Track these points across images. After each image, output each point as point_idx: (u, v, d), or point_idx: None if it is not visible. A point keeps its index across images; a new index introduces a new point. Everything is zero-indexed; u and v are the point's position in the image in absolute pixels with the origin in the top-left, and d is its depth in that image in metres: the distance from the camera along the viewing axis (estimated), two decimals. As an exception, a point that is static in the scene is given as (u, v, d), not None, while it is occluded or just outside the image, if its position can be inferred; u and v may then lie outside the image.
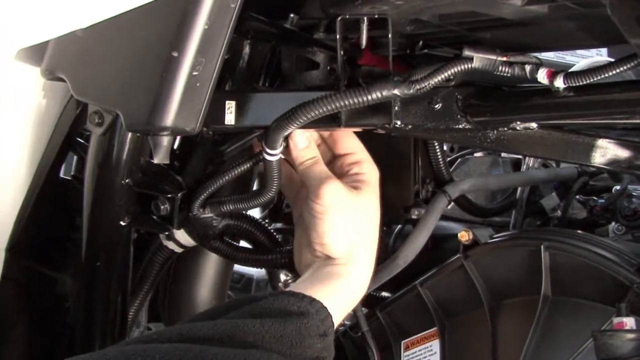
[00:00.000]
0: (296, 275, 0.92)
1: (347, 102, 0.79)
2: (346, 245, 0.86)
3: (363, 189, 0.88)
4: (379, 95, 0.79)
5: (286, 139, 0.88)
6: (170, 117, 0.74)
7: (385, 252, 1.20)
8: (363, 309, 1.05)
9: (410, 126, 0.87)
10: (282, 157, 0.89)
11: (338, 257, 0.86)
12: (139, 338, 0.76)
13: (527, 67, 0.79)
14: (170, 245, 1.11)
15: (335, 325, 0.82)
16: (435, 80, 0.80)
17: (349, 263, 0.86)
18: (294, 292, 0.80)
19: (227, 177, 0.95)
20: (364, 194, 0.88)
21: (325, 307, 0.80)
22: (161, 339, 0.71)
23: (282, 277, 1.25)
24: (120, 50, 0.78)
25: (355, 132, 0.93)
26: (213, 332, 0.72)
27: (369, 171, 0.90)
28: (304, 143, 0.89)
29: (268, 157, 0.87)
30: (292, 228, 0.96)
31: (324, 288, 0.83)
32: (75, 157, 1.27)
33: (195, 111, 0.76)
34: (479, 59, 0.80)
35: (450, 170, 1.15)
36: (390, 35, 0.80)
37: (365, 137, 0.92)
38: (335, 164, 0.92)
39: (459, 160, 1.39)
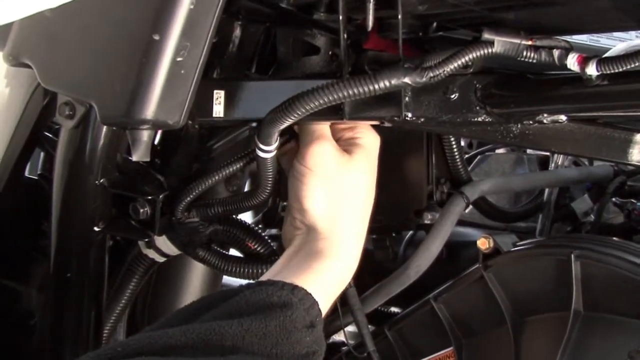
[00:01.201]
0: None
1: (351, 92, 0.80)
2: (327, 214, 0.86)
3: (356, 153, 0.89)
4: (388, 84, 0.79)
5: (283, 133, 0.88)
6: (150, 109, 0.74)
7: (395, 261, 1.21)
8: (370, 326, 1.06)
9: (422, 119, 0.87)
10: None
11: (319, 229, 0.86)
12: (101, 352, 0.72)
13: (555, 52, 0.80)
14: (151, 253, 1.11)
15: (323, 314, 0.81)
16: (451, 67, 0.80)
17: (331, 238, 0.86)
18: (273, 281, 0.80)
19: (215, 177, 0.95)
20: (356, 159, 0.88)
21: (310, 294, 0.79)
22: (127, 351, 0.70)
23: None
24: (94, 32, 0.78)
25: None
26: (185, 339, 0.71)
27: (365, 136, 0.90)
28: None
29: (262, 154, 0.87)
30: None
31: (307, 271, 0.83)
32: (42, 154, 1.28)
33: (179, 102, 0.76)
34: (500, 43, 0.80)
35: (469, 169, 1.15)
36: (400, 16, 0.80)
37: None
38: (331, 131, 0.92)
39: (478, 157, 1.39)
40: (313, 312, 0.79)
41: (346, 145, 0.90)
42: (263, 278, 0.83)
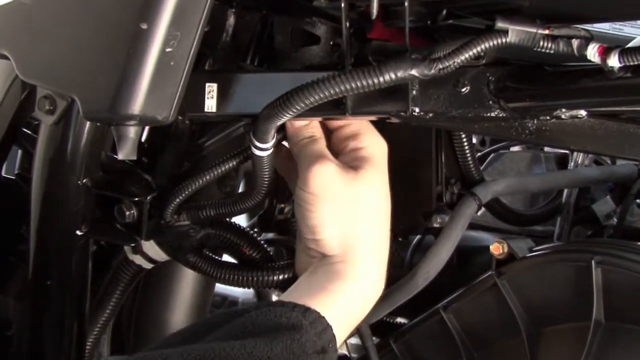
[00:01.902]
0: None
1: (353, 85, 0.80)
2: (342, 240, 0.86)
3: (363, 168, 0.88)
4: (393, 76, 0.80)
5: (280, 129, 0.88)
6: (137, 103, 0.75)
7: (401, 268, 1.21)
8: (374, 338, 1.06)
9: (431, 114, 0.87)
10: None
11: (335, 255, 0.86)
12: None
13: (575, 42, 0.80)
14: (138, 259, 1.11)
15: (341, 340, 0.82)
16: (462, 58, 0.80)
17: (349, 260, 0.86)
18: (284, 302, 0.80)
19: (207, 177, 0.96)
20: (364, 175, 0.87)
21: (323, 318, 0.79)
22: None
23: (275, 298, 1.26)
24: (77, 21, 0.78)
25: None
26: None
27: (370, 144, 0.89)
28: (303, 121, 0.90)
29: (257, 152, 0.87)
30: (286, 239, 0.97)
31: (322, 293, 0.83)
32: (20, 152, 1.28)
33: (168, 96, 0.76)
34: (515, 32, 0.80)
35: (481, 168, 1.15)
36: (407, 3, 0.80)
37: (376, 129, 0.93)
38: (331, 142, 0.92)
39: (492, 156, 1.40)
40: (325, 336, 0.78)
41: (351, 160, 0.89)
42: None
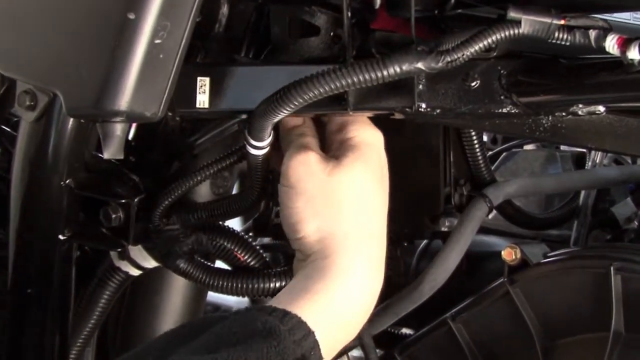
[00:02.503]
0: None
1: (356, 79, 0.80)
2: (320, 235, 0.85)
3: (345, 155, 0.87)
4: (398, 69, 0.80)
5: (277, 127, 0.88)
6: (124, 99, 0.75)
7: (406, 275, 1.21)
8: (377, 350, 1.06)
9: (438, 110, 0.87)
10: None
11: (317, 252, 0.85)
12: None
13: (592, 33, 0.80)
14: (124, 266, 1.11)
15: (330, 346, 0.80)
16: (472, 50, 0.80)
17: (330, 256, 0.84)
18: (263, 306, 0.79)
19: (198, 178, 0.96)
20: (345, 162, 0.86)
21: (304, 322, 0.78)
22: None
23: (271, 308, 1.26)
24: (60, 10, 0.79)
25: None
26: None
27: (358, 134, 0.89)
28: (298, 120, 0.90)
29: (253, 151, 0.88)
30: (283, 243, 0.97)
31: (303, 295, 0.82)
32: (-2, 151, 1.28)
33: (157, 91, 0.76)
34: (528, 23, 0.80)
35: (492, 168, 1.16)
36: (412, -9, 0.81)
37: (380, 126, 0.93)
38: (324, 138, 0.92)
39: (504, 154, 1.40)
40: (306, 344, 0.77)
41: (336, 151, 0.88)
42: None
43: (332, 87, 0.80)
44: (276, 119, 0.85)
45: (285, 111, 0.83)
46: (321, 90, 0.80)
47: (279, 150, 0.92)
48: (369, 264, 0.86)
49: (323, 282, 0.83)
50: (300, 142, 0.88)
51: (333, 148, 0.90)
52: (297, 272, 0.88)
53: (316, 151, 0.87)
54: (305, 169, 0.85)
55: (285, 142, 0.90)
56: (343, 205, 0.86)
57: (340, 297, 0.83)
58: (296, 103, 0.81)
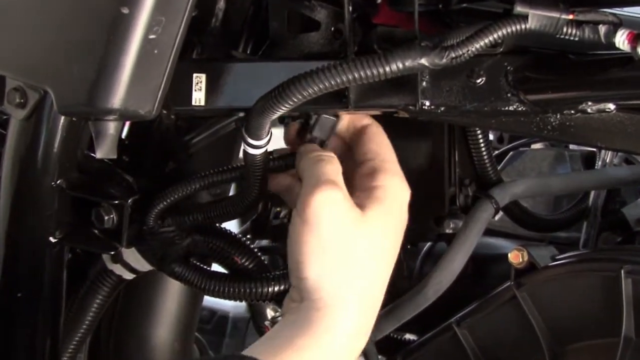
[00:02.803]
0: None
1: (357, 75, 0.80)
2: (325, 284, 0.82)
3: (370, 208, 0.84)
4: (401, 65, 0.80)
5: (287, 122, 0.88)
6: (118, 96, 0.75)
7: (410, 279, 1.21)
8: (380, 357, 1.06)
9: (442, 108, 0.87)
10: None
11: (315, 299, 0.82)
12: None
13: (602, 28, 0.80)
14: (117, 269, 1.11)
15: None
16: (477, 45, 0.80)
17: (328, 310, 0.82)
18: (244, 356, 0.77)
19: (197, 186, 0.95)
20: (370, 217, 0.84)
21: None
22: None
23: (270, 313, 1.26)
24: (50, 4, 0.79)
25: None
26: None
27: (387, 184, 0.86)
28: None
29: (250, 150, 0.88)
30: (282, 246, 0.96)
31: (288, 350, 0.80)
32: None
33: (152, 88, 0.76)
34: (536, 17, 0.80)
35: (498, 168, 1.16)
36: (416, -15, 0.81)
37: (382, 124, 0.93)
38: (352, 178, 0.89)
39: (510, 154, 1.40)
40: None
41: (361, 198, 0.86)
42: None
43: (333, 83, 0.80)
44: (274, 116, 0.84)
45: (284, 108, 0.82)
46: (321, 87, 0.80)
47: (293, 176, 0.91)
48: (358, 326, 0.84)
49: (310, 338, 0.81)
50: (326, 170, 0.85)
51: (358, 190, 0.87)
52: (287, 311, 0.86)
53: (344, 191, 0.84)
54: (330, 210, 0.82)
55: (307, 169, 0.86)
56: (357, 262, 0.84)
57: (324, 358, 0.82)
58: (295, 99, 0.81)
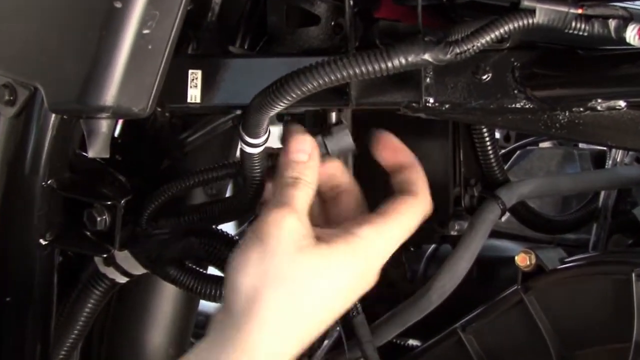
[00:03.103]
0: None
1: (358, 71, 0.80)
2: (249, 295, 0.81)
3: (337, 244, 0.83)
4: (404, 61, 0.80)
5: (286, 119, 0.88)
6: (110, 93, 0.75)
7: (413, 282, 1.21)
8: (381, 362, 1.06)
9: (447, 105, 0.88)
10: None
11: (234, 311, 0.82)
12: None
13: (612, 23, 0.80)
14: (110, 272, 1.12)
15: None
16: (483, 41, 0.80)
17: (246, 330, 0.80)
18: None
19: (191, 183, 0.96)
20: (329, 251, 0.83)
21: None
22: None
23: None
24: (40, -2, 0.79)
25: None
26: None
27: (365, 234, 0.84)
28: (302, 155, 0.88)
29: (248, 149, 0.88)
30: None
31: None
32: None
33: (145, 85, 0.76)
34: (543, 12, 0.80)
35: (505, 167, 1.16)
36: (419, -23, 0.81)
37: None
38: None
39: (517, 153, 1.40)
40: None
41: (333, 233, 0.85)
42: None
43: (333, 78, 0.80)
44: (272, 113, 0.84)
45: (282, 104, 0.82)
46: (321, 82, 0.80)
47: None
48: (281, 351, 0.83)
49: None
50: (293, 199, 0.85)
51: (336, 228, 0.87)
52: (212, 325, 0.85)
53: (302, 218, 0.84)
54: (281, 231, 0.82)
55: (279, 187, 0.87)
56: (296, 289, 0.82)
57: None
58: (294, 95, 0.81)
